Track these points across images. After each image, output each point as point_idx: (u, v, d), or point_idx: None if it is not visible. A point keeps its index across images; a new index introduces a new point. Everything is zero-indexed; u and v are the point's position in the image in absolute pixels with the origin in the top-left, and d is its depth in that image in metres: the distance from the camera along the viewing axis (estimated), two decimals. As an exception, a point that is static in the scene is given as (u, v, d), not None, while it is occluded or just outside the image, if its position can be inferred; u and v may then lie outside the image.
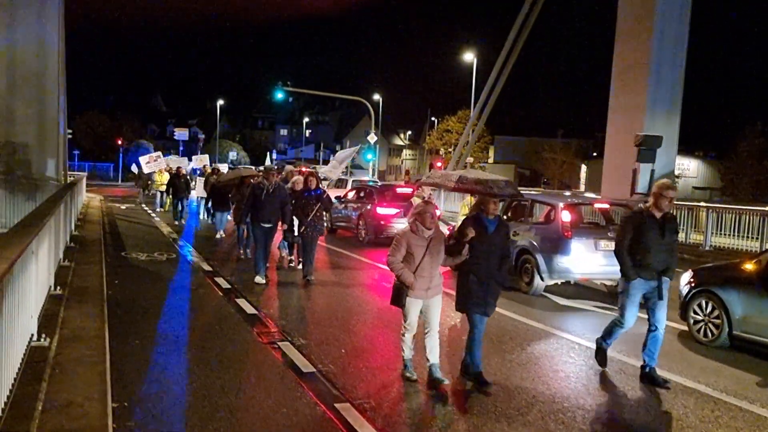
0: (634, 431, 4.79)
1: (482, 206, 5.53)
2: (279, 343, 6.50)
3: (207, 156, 30.12)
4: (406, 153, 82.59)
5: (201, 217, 20.14)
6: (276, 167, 27.14)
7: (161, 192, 23.85)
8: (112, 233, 16.09)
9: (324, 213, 10.49)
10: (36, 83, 17.84)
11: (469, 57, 37.08)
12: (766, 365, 6.57)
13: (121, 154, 56.64)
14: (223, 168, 21.61)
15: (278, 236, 10.81)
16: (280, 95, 37.08)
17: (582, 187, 53.33)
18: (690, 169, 53.57)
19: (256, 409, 4.75)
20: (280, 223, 10.19)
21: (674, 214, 7.86)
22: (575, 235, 9.44)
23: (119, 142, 59.49)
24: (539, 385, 5.62)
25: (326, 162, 66.77)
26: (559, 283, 10.05)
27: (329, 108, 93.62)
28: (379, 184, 22.32)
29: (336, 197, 15.72)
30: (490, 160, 65.83)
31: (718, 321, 7.13)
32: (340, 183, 22.55)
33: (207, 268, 11.18)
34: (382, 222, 15.20)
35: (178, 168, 20.63)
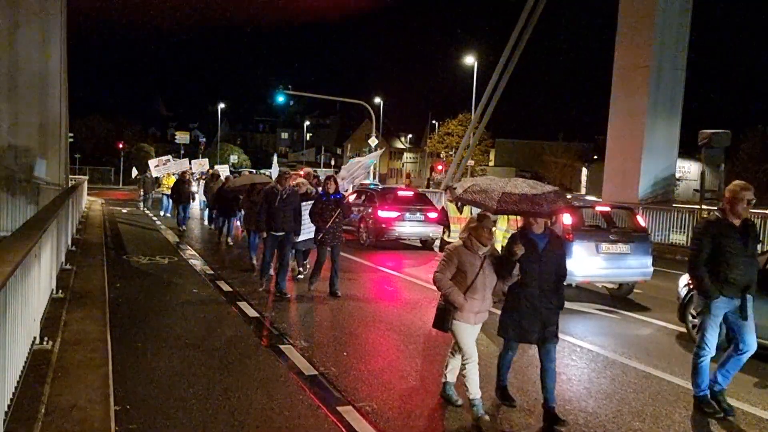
0: (636, 434, 4.79)
1: (529, 220, 4.90)
2: (281, 346, 6.50)
3: (207, 160, 29.98)
4: (407, 156, 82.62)
5: (204, 223, 19.63)
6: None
7: (167, 195, 23.16)
8: (114, 236, 16.11)
9: (342, 220, 9.50)
10: (38, 87, 17.91)
11: (469, 60, 37.16)
12: (764, 366, 6.57)
13: (122, 158, 56.70)
14: (223, 172, 21.11)
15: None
16: (281, 98, 37.19)
17: (583, 190, 53.32)
18: (691, 171, 53.53)
19: (258, 412, 4.76)
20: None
21: (753, 221, 6.94)
22: (576, 238, 9.45)
23: (120, 146, 59.55)
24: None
25: (327, 165, 66.81)
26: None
27: (330, 111, 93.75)
28: (380, 187, 22.34)
29: None
30: (491, 163, 65.88)
31: None
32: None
33: (209, 271, 11.19)
34: (384, 225, 15.21)
35: (183, 172, 20.03)
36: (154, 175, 25.62)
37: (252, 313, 8.04)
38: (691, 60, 21.12)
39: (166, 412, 4.69)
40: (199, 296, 9.11)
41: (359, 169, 11.45)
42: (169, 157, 27.32)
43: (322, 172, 25.32)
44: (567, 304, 9.31)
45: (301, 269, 10.63)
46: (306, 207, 9.54)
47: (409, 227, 15.45)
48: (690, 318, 7.47)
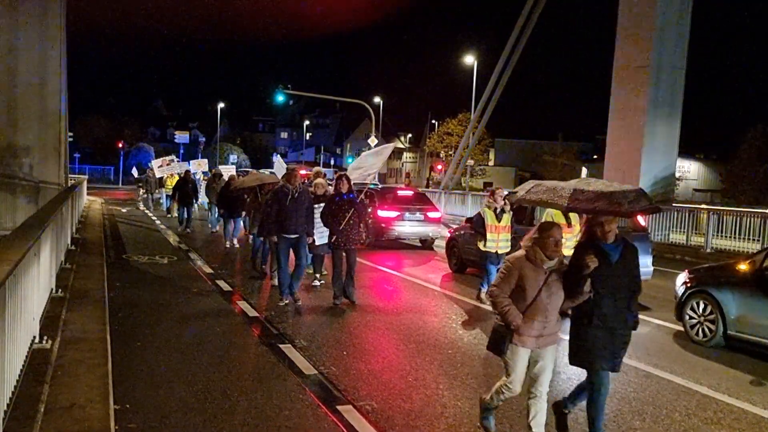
0: (636, 433, 4.79)
1: (597, 227, 4.20)
2: (280, 346, 6.50)
3: (206, 161, 29.73)
4: (407, 156, 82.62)
5: (209, 226, 18.49)
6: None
7: (168, 195, 22.92)
8: (113, 236, 16.11)
9: (359, 221, 8.79)
10: (38, 87, 17.92)
11: (469, 60, 37.14)
12: (761, 364, 6.58)
13: (122, 158, 56.73)
14: (226, 172, 19.88)
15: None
16: (280, 98, 37.11)
17: (582, 190, 53.24)
18: (690, 171, 53.62)
19: (258, 411, 4.75)
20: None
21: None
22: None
23: (120, 146, 59.60)
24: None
25: (327, 165, 66.78)
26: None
27: (330, 111, 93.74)
28: (380, 186, 22.33)
29: None
30: (491, 163, 65.92)
31: (713, 321, 7.16)
32: None
33: (208, 270, 11.19)
34: (383, 225, 15.21)
35: (186, 172, 19.30)
36: (158, 175, 25.27)
37: (252, 312, 8.04)
38: (691, 59, 21.14)
39: (165, 411, 4.69)
40: (198, 295, 9.10)
41: (370, 160, 10.41)
42: (173, 157, 27.08)
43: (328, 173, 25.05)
44: (567, 304, 9.36)
45: (318, 276, 10.07)
46: (318, 208, 8.96)
47: (409, 227, 15.45)
48: (687, 314, 7.50)
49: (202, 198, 21.37)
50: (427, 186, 44.04)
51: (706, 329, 7.24)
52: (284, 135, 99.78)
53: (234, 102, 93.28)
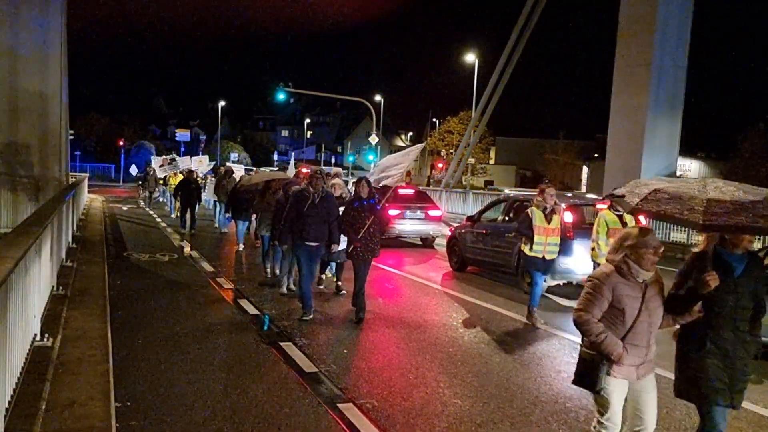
0: None
1: (721, 235, 3.59)
2: (281, 344, 6.50)
3: (207, 157, 29.48)
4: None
5: (215, 226, 17.95)
6: (278, 168, 26.28)
7: (172, 195, 21.91)
8: (114, 234, 16.11)
9: (378, 229, 8.02)
10: (38, 85, 17.91)
11: (470, 58, 37.11)
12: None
13: (122, 155, 56.75)
14: (238, 170, 18.86)
15: None
16: (281, 96, 37.08)
17: (583, 189, 53.33)
18: (691, 170, 53.57)
19: (259, 409, 4.76)
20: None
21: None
22: (577, 236, 9.44)
23: (121, 143, 59.61)
24: (542, 385, 5.62)
25: (327, 163, 66.76)
26: (561, 283, 10.06)
27: (330, 109, 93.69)
28: (381, 185, 22.25)
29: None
30: (492, 161, 65.90)
31: None
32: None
33: (209, 268, 11.19)
34: (384, 223, 15.19)
35: (190, 171, 18.33)
36: (160, 174, 24.86)
37: (252, 310, 8.04)
38: (693, 57, 21.12)
39: (166, 409, 4.69)
40: (199, 293, 9.10)
41: (396, 161, 9.75)
42: (174, 155, 26.78)
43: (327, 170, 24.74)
44: (568, 302, 9.37)
45: (340, 283, 9.45)
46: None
47: (410, 225, 15.44)
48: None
49: (207, 196, 21.02)
50: (428, 184, 44.02)
51: None
52: (285, 133, 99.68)
53: (234, 100, 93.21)
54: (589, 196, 13.98)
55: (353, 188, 8.23)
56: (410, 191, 17.41)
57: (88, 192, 29.56)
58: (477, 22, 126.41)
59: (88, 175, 41.66)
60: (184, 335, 6.80)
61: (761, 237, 14.92)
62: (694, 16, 20.75)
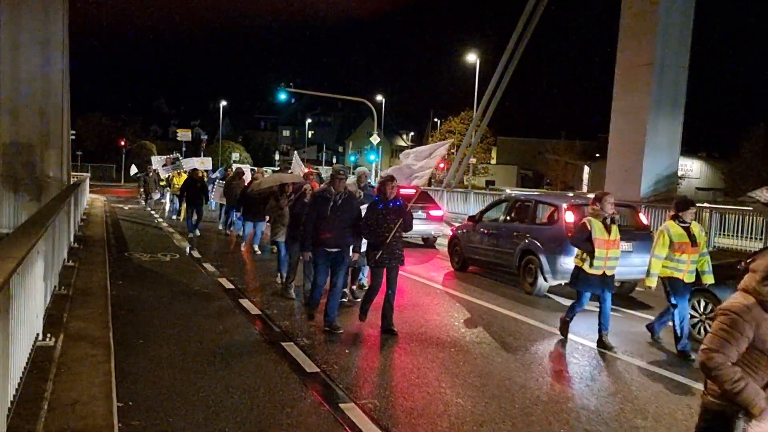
0: None
1: None
2: (283, 343, 6.50)
3: (210, 159, 29.21)
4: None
5: (219, 227, 17.52)
6: (279, 168, 26.02)
7: (176, 196, 20.44)
8: (116, 234, 16.12)
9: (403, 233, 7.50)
10: (40, 84, 17.92)
11: (471, 58, 37.14)
12: None
13: (124, 156, 56.75)
14: (248, 171, 17.96)
15: None
16: (282, 96, 37.12)
17: (585, 188, 53.30)
18: (693, 170, 53.54)
19: (260, 409, 4.76)
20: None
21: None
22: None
23: (122, 143, 59.62)
24: (543, 385, 5.62)
25: (329, 163, 66.72)
26: (563, 283, 10.03)
27: (332, 109, 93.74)
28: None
29: None
30: (493, 161, 65.87)
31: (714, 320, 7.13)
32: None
33: (211, 269, 11.19)
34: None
35: (194, 171, 17.63)
36: (163, 174, 24.53)
37: (254, 310, 8.05)
38: (694, 57, 21.09)
39: (168, 408, 4.70)
40: (201, 293, 9.11)
41: (424, 168, 9.16)
42: (177, 155, 26.46)
43: (323, 170, 24.46)
44: (569, 302, 9.35)
45: (354, 288, 9.01)
46: None
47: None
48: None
49: (213, 200, 20.72)
50: (429, 184, 44.03)
51: (708, 327, 7.24)
52: (286, 133, 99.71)
53: (236, 100, 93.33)
54: (591, 196, 13.98)
55: (356, 186, 8.06)
56: (411, 191, 17.36)
57: (90, 192, 29.59)
58: (479, 22, 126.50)
59: (89, 175, 41.71)
60: (186, 335, 6.81)
61: (764, 236, 14.93)
62: (696, 15, 20.72)
